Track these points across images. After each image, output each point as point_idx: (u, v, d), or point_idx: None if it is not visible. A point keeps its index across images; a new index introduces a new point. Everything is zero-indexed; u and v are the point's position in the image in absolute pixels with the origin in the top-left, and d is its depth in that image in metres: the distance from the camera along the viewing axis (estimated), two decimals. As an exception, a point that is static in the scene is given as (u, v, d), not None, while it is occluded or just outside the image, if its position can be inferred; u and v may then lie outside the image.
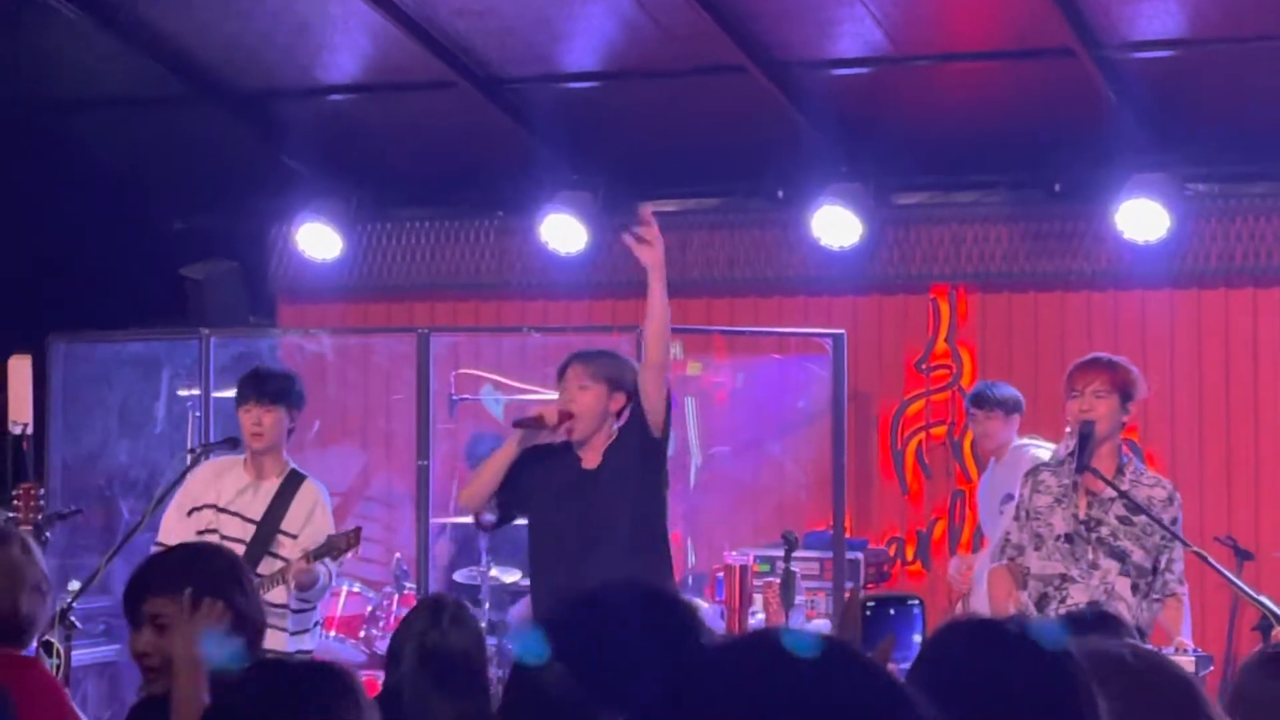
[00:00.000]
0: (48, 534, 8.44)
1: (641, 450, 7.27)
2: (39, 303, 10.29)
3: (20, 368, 8.90)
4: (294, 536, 7.74)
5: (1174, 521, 7.03)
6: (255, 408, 7.79)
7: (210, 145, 10.80)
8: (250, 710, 3.28)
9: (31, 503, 8.12)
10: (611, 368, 7.44)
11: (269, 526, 7.75)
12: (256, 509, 7.78)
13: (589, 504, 7.28)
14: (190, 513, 7.87)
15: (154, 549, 7.81)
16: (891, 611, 2.80)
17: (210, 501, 7.83)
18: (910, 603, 2.85)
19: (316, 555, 7.47)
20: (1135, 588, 6.99)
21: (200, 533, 7.75)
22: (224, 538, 7.65)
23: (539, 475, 7.40)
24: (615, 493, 7.27)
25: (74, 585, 8.43)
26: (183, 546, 5.00)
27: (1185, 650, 6.81)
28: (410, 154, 10.84)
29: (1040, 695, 2.37)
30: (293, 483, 7.84)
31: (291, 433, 7.94)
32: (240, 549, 7.58)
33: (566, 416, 7.32)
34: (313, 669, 3.45)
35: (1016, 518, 7.25)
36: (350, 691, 3.29)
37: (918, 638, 2.83)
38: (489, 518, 7.54)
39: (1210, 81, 9.34)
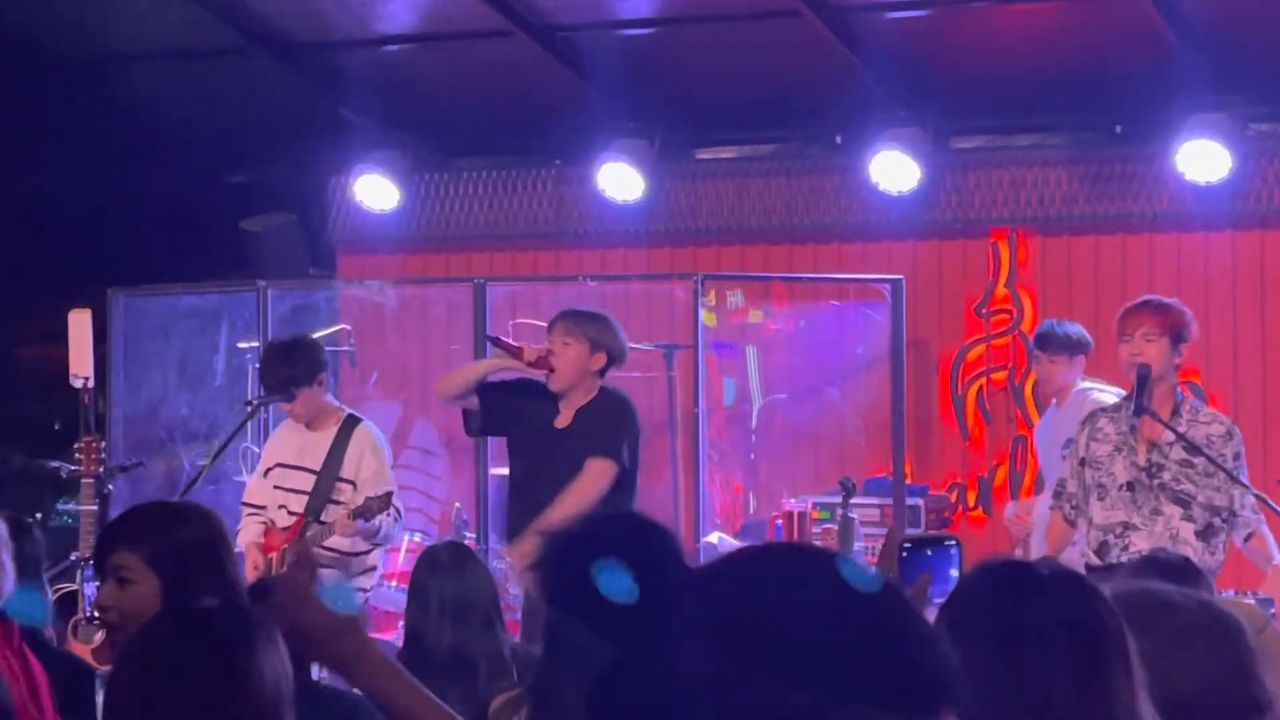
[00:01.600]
0: (110, 486, 8.53)
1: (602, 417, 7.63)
2: (99, 256, 10.35)
3: (80, 321, 8.96)
4: (352, 483, 7.92)
5: (1236, 456, 6.99)
6: (282, 402, 8.02)
7: (267, 97, 10.82)
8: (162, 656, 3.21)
9: (93, 455, 8.20)
10: (594, 328, 7.73)
11: (328, 476, 7.95)
12: (316, 459, 7.96)
13: (554, 463, 7.60)
14: (266, 473, 8.09)
15: (242, 508, 8.01)
16: (929, 552, 2.79)
17: (280, 460, 8.01)
18: (948, 543, 2.82)
19: (354, 515, 7.64)
20: (1200, 533, 6.96)
21: (275, 489, 8.04)
22: (286, 490, 7.87)
23: (521, 412, 7.81)
24: (579, 457, 7.55)
25: (136, 537, 8.49)
26: (163, 505, 4.92)
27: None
28: (467, 104, 10.83)
29: (1067, 636, 2.37)
30: (347, 429, 8.02)
31: (323, 384, 8.06)
32: (303, 500, 7.77)
33: (544, 364, 7.66)
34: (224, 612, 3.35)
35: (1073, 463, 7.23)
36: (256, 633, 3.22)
37: (955, 572, 2.81)
38: (472, 410, 7.89)
39: (1271, 20, 9.22)
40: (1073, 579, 2.48)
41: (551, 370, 7.67)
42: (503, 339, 7.98)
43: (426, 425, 10.84)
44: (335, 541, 7.78)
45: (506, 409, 7.82)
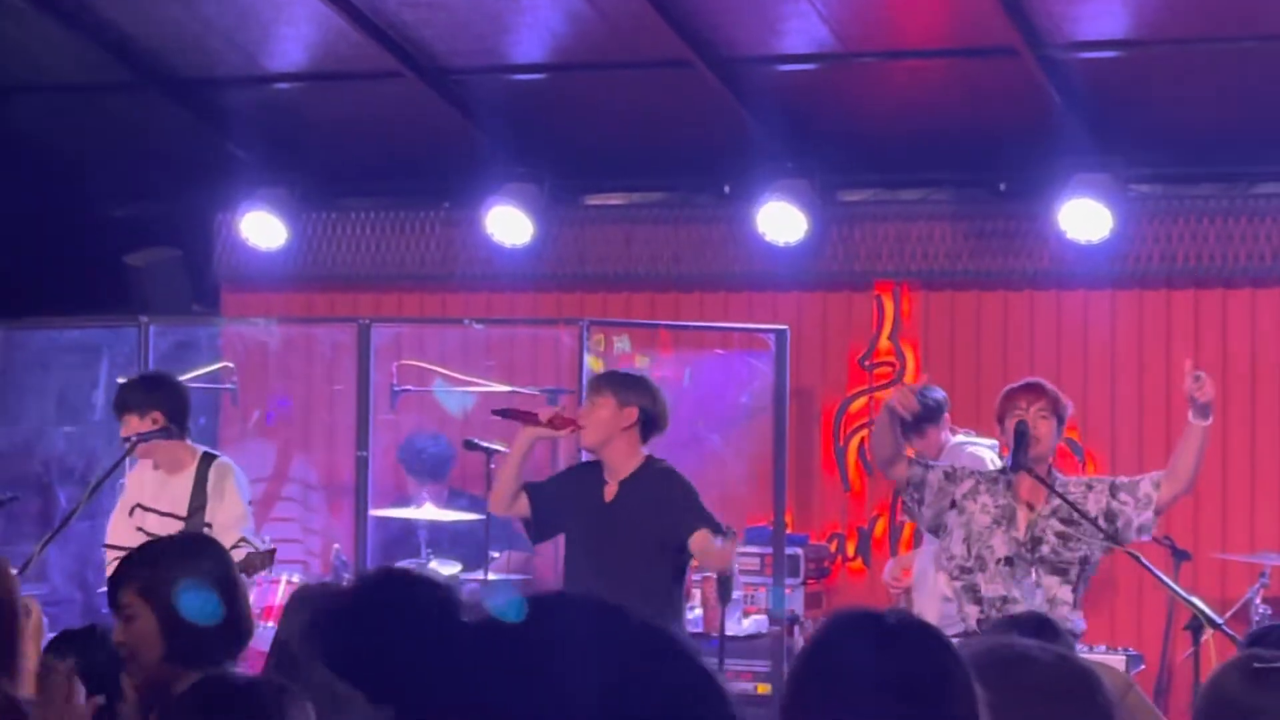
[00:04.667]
0: (-16, 520, 8.42)
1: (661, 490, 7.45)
2: (-23, 289, 10.24)
3: (-43, 354, 8.86)
4: (209, 525, 7.73)
5: (1112, 489, 7.15)
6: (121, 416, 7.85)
7: (154, 132, 10.76)
8: None
9: (-33, 489, 8.10)
10: (620, 383, 7.60)
11: (195, 523, 7.71)
12: (180, 503, 7.77)
13: (605, 540, 7.37)
14: (132, 511, 7.88)
15: (103, 550, 7.84)
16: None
17: (139, 500, 7.86)
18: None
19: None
20: (1075, 588, 7.07)
21: (138, 529, 7.75)
22: (150, 535, 7.66)
23: (572, 495, 7.57)
24: (630, 533, 7.34)
25: (9, 573, 8.38)
26: (172, 541, 4.94)
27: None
28: (356, 144, 10.82)
29: (910, 687, 2.39)
30: (204, 467, 7.84)
31: (172, 427, 7.85)
32: None
33: (564, 422, 7.53)
34: (260, 685, 3.43)
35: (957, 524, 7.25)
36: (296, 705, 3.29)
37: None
38: (528, 517, 7.64)
39: (1153, 83, 9.39)
40: (920, 630, 2.50)
41: (577, 426, 7.52)
42: (513, 409, 7.74)
43: (306, 464, 10.79)
44: None
45: (557, 504, 7.55)
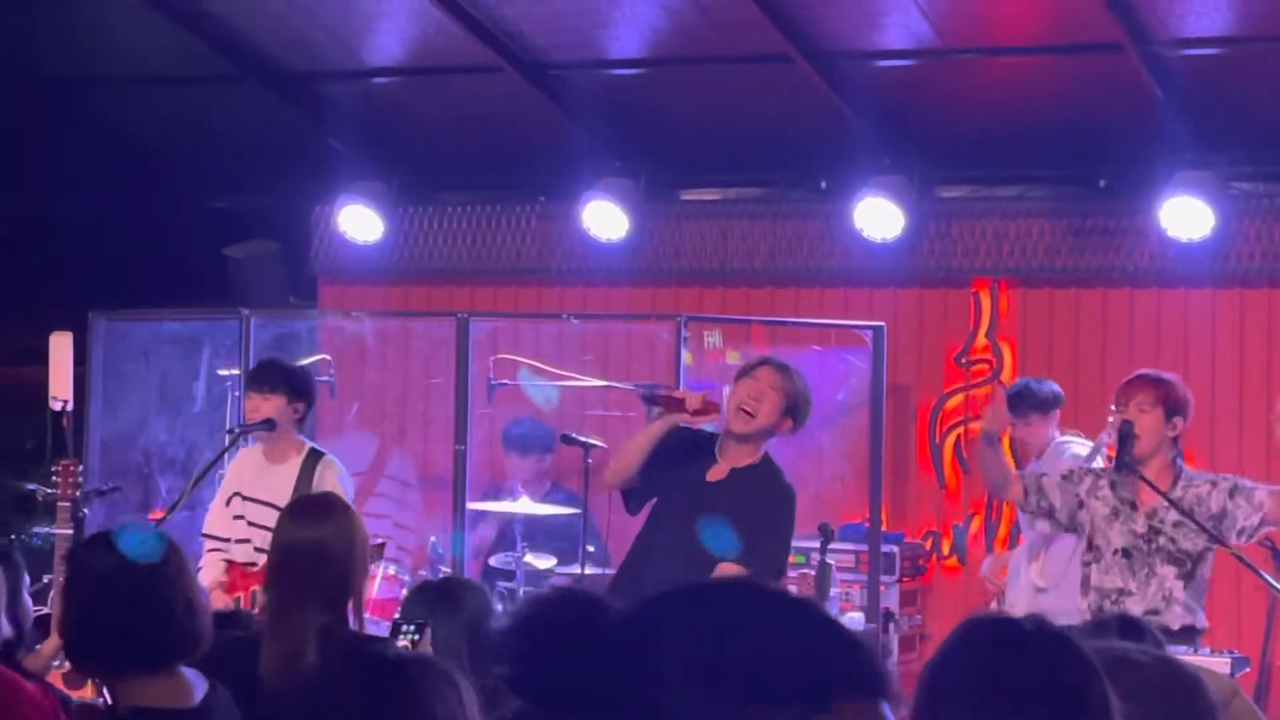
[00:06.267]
0: (85, 511, 8.49)
1: (766, 502, 7.28)
2: (81, 279, 10.33)
3: (61, 344, 8.93)
4: None
5: (1232, 491, 7.07)
6: (254, 395, 8.01)
7: (254, 125, 10.83)
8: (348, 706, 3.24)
9: (70, 479, 8.16)
10: (801, 393, 7.43)
11: None
12: (282, 493, 7.80)
13: (699, 520, 7.13)
14: (228, 501, 7.98)
15: (202, 539, 7.93)
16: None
17: (238, 489, 7.94)
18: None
19: None
20: (1185, 584, 7.05)
21: (236, 518, 7.94)
22: (251, 524, 7.78)
23: (672, 462, 7.41)
24: (731, 517, 7.10)
25: (111, 563, 8.45)
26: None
27: None
28: (453, 138, 10.85)
29: (1050, 696, 2.37)
30: (311, 462, 7.93)
31: (301, 420, 8.04)
32: (268, 537, 7.65)
33: (711, 409, 7.38)
34: (407, 661, 3.39)
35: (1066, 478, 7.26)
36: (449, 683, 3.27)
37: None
38: (632, 488, 7.51)
39: (1258, 80, 9.29)
40: (1057, 636, 2.48)
41: (715, 410, 7.37)
42: (661, 392, 7.58)
43: (403, 457, 10.83)
44: None
45: (662, 475, 7.37)
